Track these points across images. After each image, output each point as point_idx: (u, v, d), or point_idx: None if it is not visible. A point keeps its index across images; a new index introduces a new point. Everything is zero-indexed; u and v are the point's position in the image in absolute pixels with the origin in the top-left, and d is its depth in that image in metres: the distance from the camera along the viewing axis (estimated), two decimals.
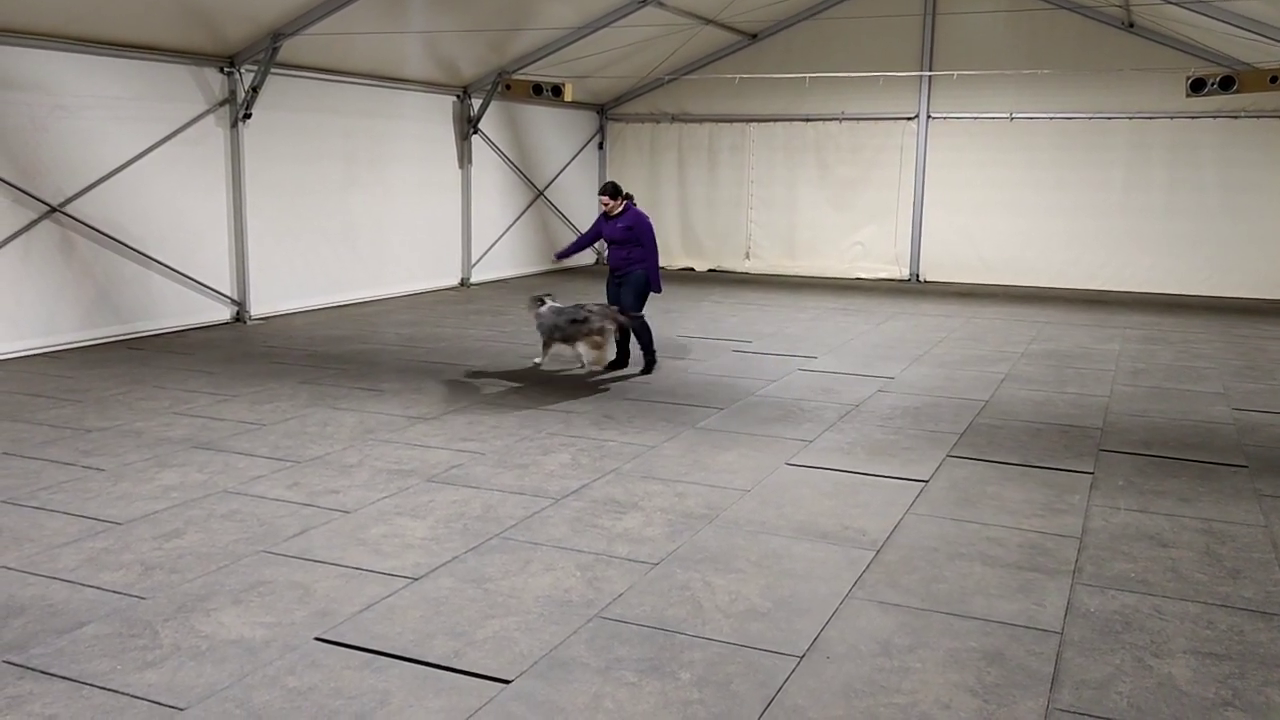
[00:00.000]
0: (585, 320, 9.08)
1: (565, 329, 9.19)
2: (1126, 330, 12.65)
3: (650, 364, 9.59)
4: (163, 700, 3.70)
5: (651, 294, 9.52)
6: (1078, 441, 7.43)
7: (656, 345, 9.90)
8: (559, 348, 9.45)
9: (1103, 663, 4.08)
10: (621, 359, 9.69)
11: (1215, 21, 12.21)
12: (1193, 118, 15.68)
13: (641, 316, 9.47)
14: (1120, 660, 4.10)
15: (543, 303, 9.44)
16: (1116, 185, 16.35)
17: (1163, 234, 16.20)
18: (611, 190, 9.44)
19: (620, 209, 9.42)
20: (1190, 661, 4.11)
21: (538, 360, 9.64)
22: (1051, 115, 16.51)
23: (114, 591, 4.63)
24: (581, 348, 9.19)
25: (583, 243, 9.87)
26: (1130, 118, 16.10)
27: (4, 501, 5.81)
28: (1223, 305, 15.13)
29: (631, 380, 9.27)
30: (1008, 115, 16.74)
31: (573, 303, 9.56)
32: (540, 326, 9.41)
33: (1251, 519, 5.82)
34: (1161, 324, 13.22)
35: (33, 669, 3.91)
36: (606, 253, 9.74)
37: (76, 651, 4.05)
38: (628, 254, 9.42)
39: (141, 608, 4.46)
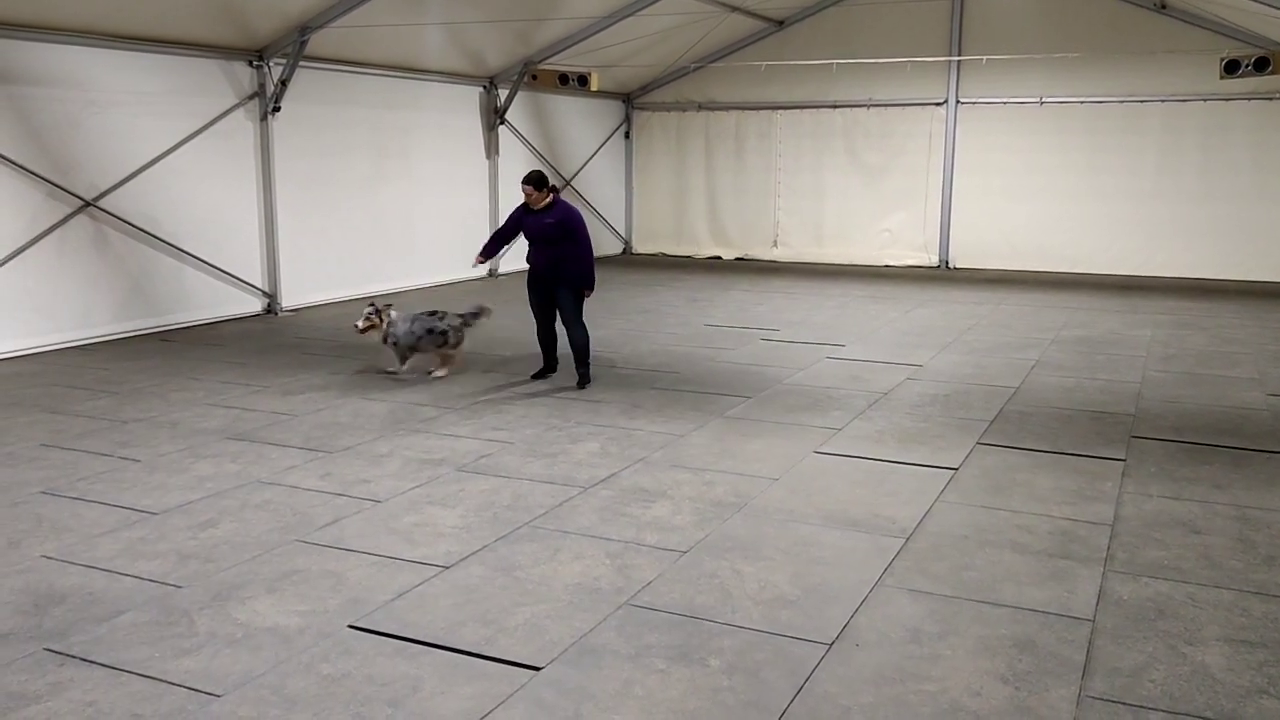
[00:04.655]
0: (444, 334, 8.82)
1: (422, 340, 8.83)
2: (1158, 316, 12.52)
3: (584, 380, 8.58)
4: (199, 687, 3.76)
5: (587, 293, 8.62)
6: (1109, 428, 7.37)
7: (684, 333, 9.40)
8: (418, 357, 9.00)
9: (1135, 650, 4.06)
10: (550, 365, 8.90)
11: (1249, 1, 12.00)
12: (1226, 100, 15.43)
13: (583, 325, 8.56)
14: (1153, 648, 4.08)
15: (381, 315, 8.86)
16: (1149, 169, 16.13)
17: (1196, 218, 15.97)
18: (536, 180, 8.36)
19: (547, 202, 8.41)
20: (1224, 649, 4.07)
21: (393, 370, 9.03)
22: (1082, 99, 16.31)
23: (151, 580, 4.70)
24: (435, 360, 8.98)
25: (502, 237, 8.91)
26: (1163, 101, 15.88)
27: (43, 492, 5.91)
28: (1256, 290, 14.92)
29: (659, 370, 9.27)
30: (1038, 99, 16.56)
31: (426, 310, 9.10)
32: (395, 339, 8.84)
33: None
34: (1194, 309, 13.07)
35: (73, 656, 3.99)
36: (527, 253, 8.65)
37: (115, 639, 4.13)
38: (559, 253, 8.39)
39: (178, 596, 4.53)
